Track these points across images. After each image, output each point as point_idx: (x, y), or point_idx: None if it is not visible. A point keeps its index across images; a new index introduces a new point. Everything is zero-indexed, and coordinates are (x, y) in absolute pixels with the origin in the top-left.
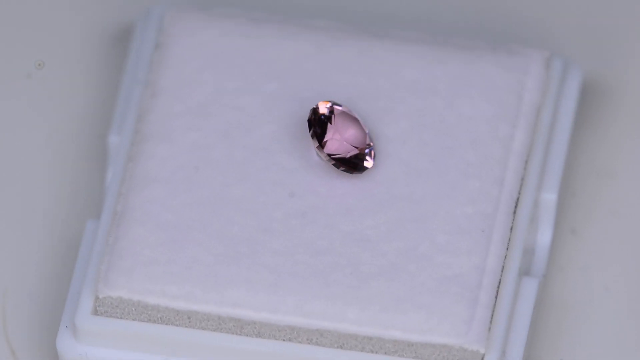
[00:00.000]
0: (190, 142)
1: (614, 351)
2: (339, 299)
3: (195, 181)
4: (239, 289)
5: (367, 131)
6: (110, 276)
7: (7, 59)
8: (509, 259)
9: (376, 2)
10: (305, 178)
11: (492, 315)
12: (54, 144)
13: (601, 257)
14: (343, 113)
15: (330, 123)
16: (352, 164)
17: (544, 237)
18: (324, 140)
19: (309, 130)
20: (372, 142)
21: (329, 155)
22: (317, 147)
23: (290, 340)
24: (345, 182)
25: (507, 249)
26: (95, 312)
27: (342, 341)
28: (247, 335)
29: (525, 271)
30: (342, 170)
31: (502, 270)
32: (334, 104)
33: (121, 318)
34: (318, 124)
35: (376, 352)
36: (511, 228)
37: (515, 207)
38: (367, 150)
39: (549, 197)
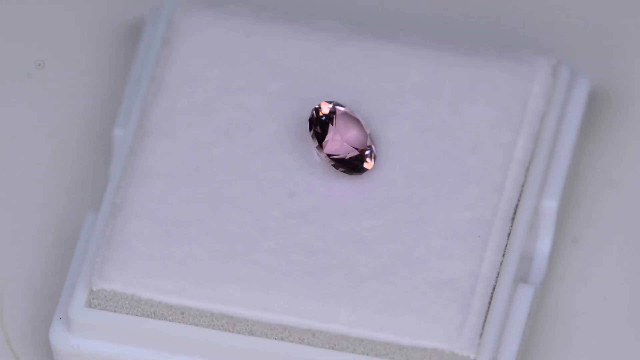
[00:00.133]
0: (192, 138)
1: None
2: (331, 300)
3: (194, 178)
4: (232, 287)
5: (368, 133)
6: (104, 269)
7: (17, 51)
8: (504, 266)
9: (386, 4)
10: (305, 178)
11: (485, 321)
12: (61, 136)
13: (601, 267)
14: (345, 114)
15: (332, 123)
16: (351, 165)
17: (544, 245)
18: (324, 140)
19: (310, 130)
20: (373, 143)
21: (329, 155)
22: (317, 147)
23: (282, 339)
24: (345, 183)
25: (503, 255)
26: (89, 305)
27: (333, 342)
28: (239, 333)
29: (523, 278)
30: (342, 171)
31: (497, 277)
32: (336, 104)
33: (115, 311)
34: (319, 124)
35: (367, 354)
36: (509, 235)
37: (515, 213)
38: (367, 152)
39: (550, 205)
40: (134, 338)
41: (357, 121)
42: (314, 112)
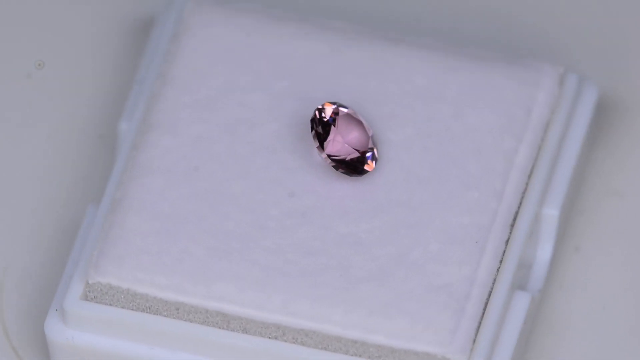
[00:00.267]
0: (195, 134)
1: None
2: (325, 301)
3: (195, 174)
4: (227, 284)
5: (370, 135)
6: (100, 262)
7: (30, 43)
8: (501, 272)
9: (396, 8)
10: (305, 178)
11: (479, 327)
12: (66, 130)
13: (602, 276)
14: (347, 115)
15: (333, 124)
16: (351, 167)
17: (544, 252)
18: (325, 141)
19: (311, 130)
20: (374, 146)
21: (329, 156)
22: (317, 148)
23: (276, 338)
24: (345, 184)
25: (501, 261)
26: (86, 298)
27: (326, 342)
28: (233, 331)
29: (522, 285)
30: (342, 172)
31: (493, 283)
32: (339, 105)
33: (110, 305)
34: (321, 125)
35: (360, 356)
36: (507, 241)
37: (514, 220)
38: (368, 154)
39: (551, 213)
40: (129, 332)
41: (359, 123)
42: (317, 112)
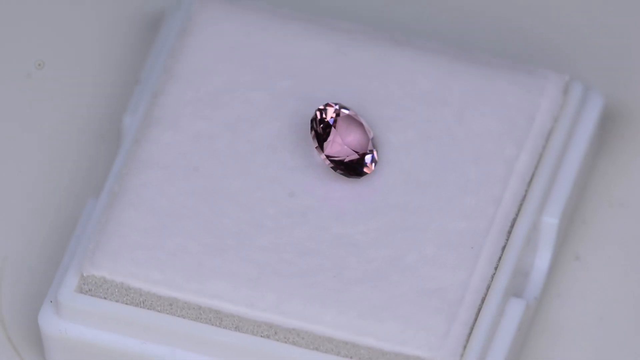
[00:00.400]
0: (196, 131)
1: None
2: (318, 301)
3: (194, 171)
4: (221, 281)
5: (370, 137)
6: (95, 256)
7: (32, 42)
8: (496, 278)
9: (405, 12)
10: (304, 178)
11: (472, 332)
12: (75, 122)
13: (601, 286)
14: (348, 117)
15: (334, 125)
16: (350, 168)
17: (542, 260)
18: (325, 142)
19: (311, 130)
20: (374, 148)
21: (328, 157)
22: (316, 148)
23: (268, 337)
24: (344, 186)
25: (496, 268)
26: (80, 290)
27: (318, 343)
28: (226, 328)
29: (518, 293)
30: (340, 174)
31: (487, 289)
32: (341, 107)
33: (104, 298)
34: (321, 125)
35: (351, 358)
36: (504, 248)
37: (512, 227)
38: (367, 156)
39: (551, 221)
40: (122, 326)
41: (360, 125)
42: (317, 112)
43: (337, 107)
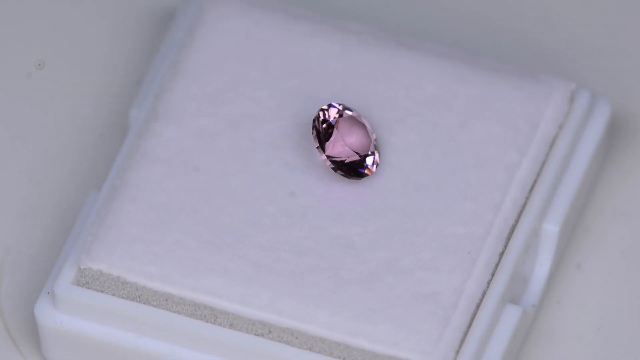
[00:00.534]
0: (199, 127)
1: None
2: (312, 301)
3: (195, 166)
4: (216, 278)
5: (372, 139)
6: (93, 248)
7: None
8: (492, 284)
9: (415, 16)
10: (305, 178)
11: (465, 337)
12: (81, 116)
13: (601, 296)
14: (350, 118)
15: (336, 126)
16: (351, 169)
17: (542, 268)
18: (325, 142)
19: (312, 129)
20: (376, 150)
21: (328, 157)
22: (317, 148)
23: (262, 335)
24: (344, 186)
25: (492, 274)
26: (77, 283)
27: (311, 343)
28: (220, 325)
29: (515, 299)
30: (340, 174)
31: (483, 295)
32: (344, 107)
33: (101, 291)
34: (323, 125)
35: (344, 359)
36: (501, 254)
37: (511, 234)
38: (368, 158)
39: (551, 229)
40: (117, 320)
41: (362, 126)
42: (320, 112)
43: (340, 107)
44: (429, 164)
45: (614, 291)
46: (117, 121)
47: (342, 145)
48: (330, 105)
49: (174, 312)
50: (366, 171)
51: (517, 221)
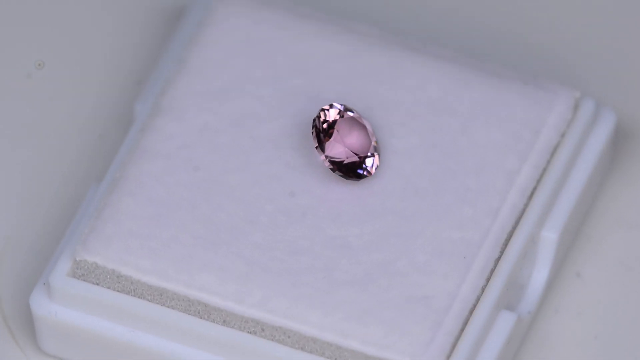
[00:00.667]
0: (201, 123)
1: None
2: (304, 301)
3: (195, 162)
4: (209, 275)
5: (372, 141)
6: (89, 241)
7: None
8: (487, 290)
9: (423, 21)
10: (304, 177)
11: (457, 342)
12: (86, 108)
13: (599, 306)
14: (351, 119)
15: (336, 126)
16: (349, 170)
17: (540, 275)
18: (325, 142)
19: (312, 129)
20: (376, 152)
21: (327, 157)
22: (316, 148)
23: (254, 333)
24: (342, 187)
25: (487, 279)
26: (73, 275)
27: (303, 343)
28: (213, 322)
29: (511, 306)
30: (338, 175)
31: (477, 300)
32: (346, 108)
33: (96, 284)
34: (323, 125)
35: (335, 359)
36: (497, 260)
37: (508, 240)
38: (368, 160)
39: (550, 236)
40: (111, 313)
41: (363, 128)
42: (321, 112)
43: (341, 108)
44: (429, 168)
45: (612, 301)
46: (123, 115)
47: (341, 146)
48: (331, 106)
49: (167, 307)
50: (365, 173)
51: (515, 227)
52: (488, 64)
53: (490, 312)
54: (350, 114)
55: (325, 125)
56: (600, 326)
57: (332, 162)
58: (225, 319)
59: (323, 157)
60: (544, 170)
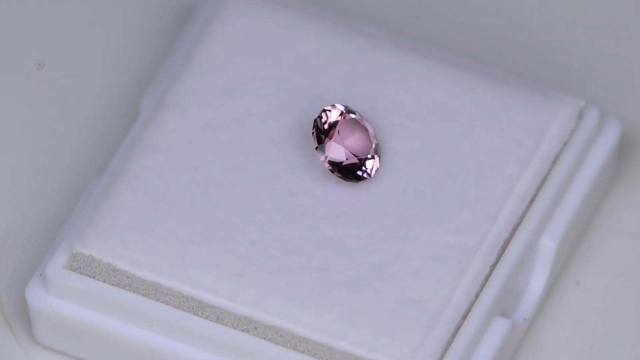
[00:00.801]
0: (204, 120)
1: None
2: (297, 301)
3: (195, 159)
4: (205, 271)
5: (373, 143)
6: (85, 234)
7: (79, 25)
8: (481, 296)
9: (430, 26)
10: (303, 177)
11: (448, 347)
12: (91, 106)
13: (597, 315)
14: (352, 120)
15: (336, 128)
16: (348, 172)
17: (537, 283)
18: (325, 143)
19: (312, 129)
20: (377, 154)
21: (326, 158)
22: (316, 148)
23: (247, 331)
24: (342, 189)
25: (482, 285)
26: (70, 267)
27: (295, 342)
28: (207, 318)
29: (507, 313)
30: (337, 176)
31: (471, 306)
32: (348, 110)
33: (92, 277)
34: (325, 126)
35: None
36: (493, 266)
37: (505, 247)
38: (368, 162)
39: (548, 245)
40: (106, 306)
41: (364, 129)
42: (322, 113)
43: (343, 109)
44: (429, 171)
45: (610, 311)
46: (128, 111)
47: (341, 147)
48: (333, 106)
49: (162, 302)
50: (365, 175)
51: (512, 234)
52: (493, 70)
53: (484, 318)
54: (352, 115)
55: (326, 126)
56: (597, 335)
57: (332, 163)
58: (219, 316)
59: (322, 157)
60: (545, 178)
